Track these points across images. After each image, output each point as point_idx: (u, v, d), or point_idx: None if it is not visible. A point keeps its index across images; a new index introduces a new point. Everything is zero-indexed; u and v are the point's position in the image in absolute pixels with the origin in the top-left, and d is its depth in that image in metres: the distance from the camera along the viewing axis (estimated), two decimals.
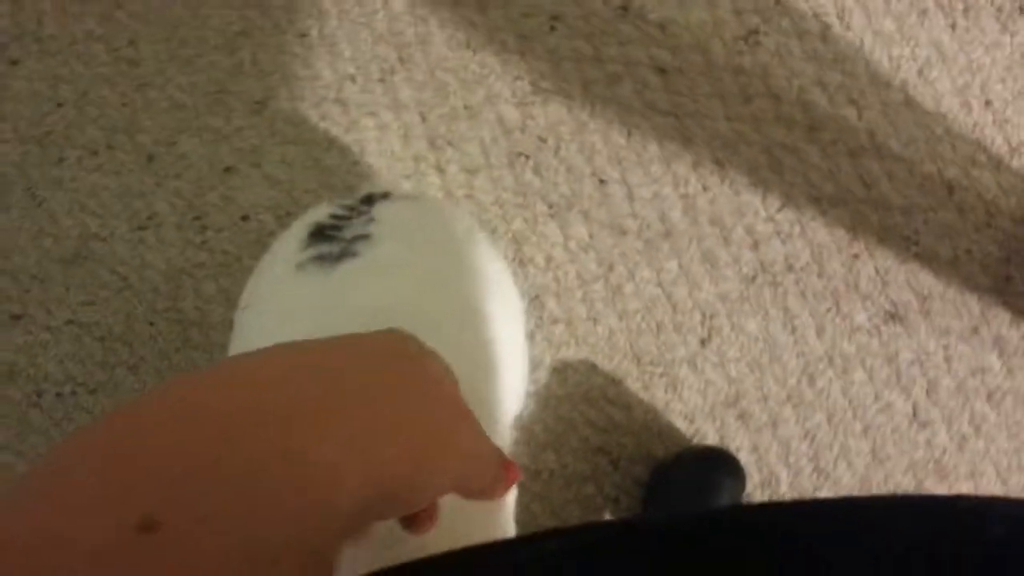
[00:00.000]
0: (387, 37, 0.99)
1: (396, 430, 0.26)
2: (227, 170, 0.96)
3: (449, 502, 0.33)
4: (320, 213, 0.58)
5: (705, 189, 0.93)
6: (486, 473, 0.31)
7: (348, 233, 0.55)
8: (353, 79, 0.98)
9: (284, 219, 0.94)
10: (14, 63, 0.99)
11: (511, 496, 0.62)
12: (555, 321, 0.91)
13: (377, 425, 0.26)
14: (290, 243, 0.57)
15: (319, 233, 0.56)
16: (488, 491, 0.31)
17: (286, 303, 0.54)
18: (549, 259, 0.93)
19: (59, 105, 0.98)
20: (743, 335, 0.90)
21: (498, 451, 0.32)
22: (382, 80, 0.98)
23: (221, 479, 0.22)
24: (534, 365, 0.91)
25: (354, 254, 0.53)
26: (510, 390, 0.60)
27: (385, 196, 0.61)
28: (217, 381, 0.25)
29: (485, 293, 0.60)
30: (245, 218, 0.95)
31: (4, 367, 0.93)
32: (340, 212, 0.58)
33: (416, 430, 0.27)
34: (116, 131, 0.97)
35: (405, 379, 0.29)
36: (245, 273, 0.94)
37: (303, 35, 0.99)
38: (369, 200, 0.60)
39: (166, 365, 0.92)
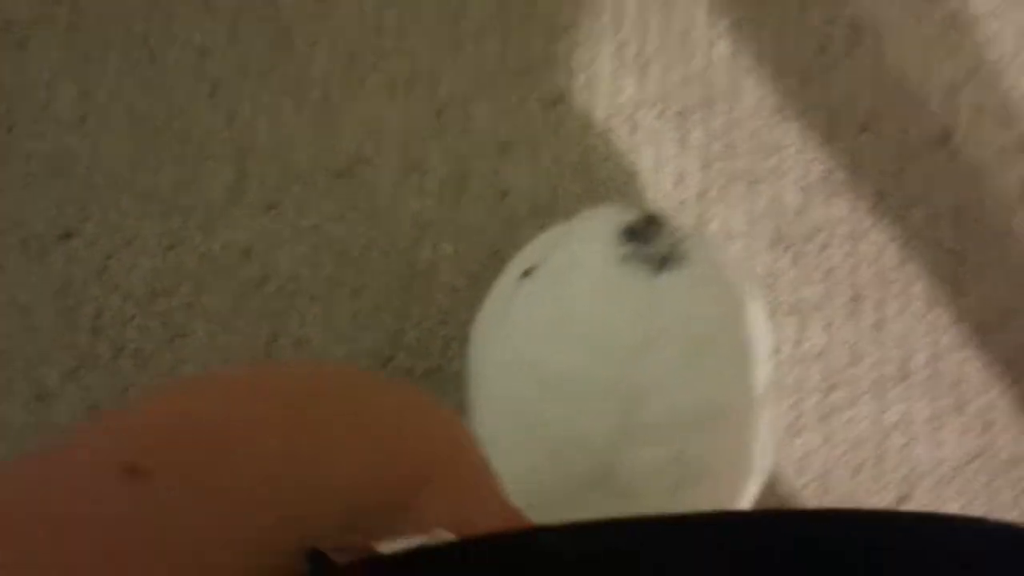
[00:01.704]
0: (700, 77, 1.01)
1: (393, 449, 0.29)
2: (504, 146, 1.01)
3: None
4: (625, 216, 0.63)
5: (960, 348, 0.92)
6: (488, 519, 0.31)
7: (662, 244, 0.61)
8: (652, 105, 1.01)
9: (539, 212, 0.99)
10: None
11: None
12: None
13: (378, 443, 0.28)
14: (604, 230, 0.63)
15: (633, 234, 0.62)
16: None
17: (612, 286, 0.60)
18: (775, 351, 0.93)
19: (378, 32, 1.05)
20: (944, 509, 0.88)
21: (504, 504, 0.33)
22: (680, 115, 1.00)
23: (210, 444, 0.24)
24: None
25: (676, 269, 0.60)
26: (755, 448, 0.64)
27: (663, 220, 0.65)
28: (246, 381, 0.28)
29: (759, 343, 0.65)
30: (504, 195, 1.00)
31: (243, 245, 1.02)
32: (638, 222, 0.63)
33: (413, 454, 0.30)
34: (421, 73, 1.03)
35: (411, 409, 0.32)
36: (484, 248, 1.00)
37: (623, 45, 1.02)
38: (655, 220, 0.65)
39: (383, 301, 0.99)
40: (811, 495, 0.90)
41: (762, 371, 0.66)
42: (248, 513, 0.23)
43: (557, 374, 0.58)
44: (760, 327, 0.67)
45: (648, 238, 0.62)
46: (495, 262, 0.95)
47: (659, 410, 0.56)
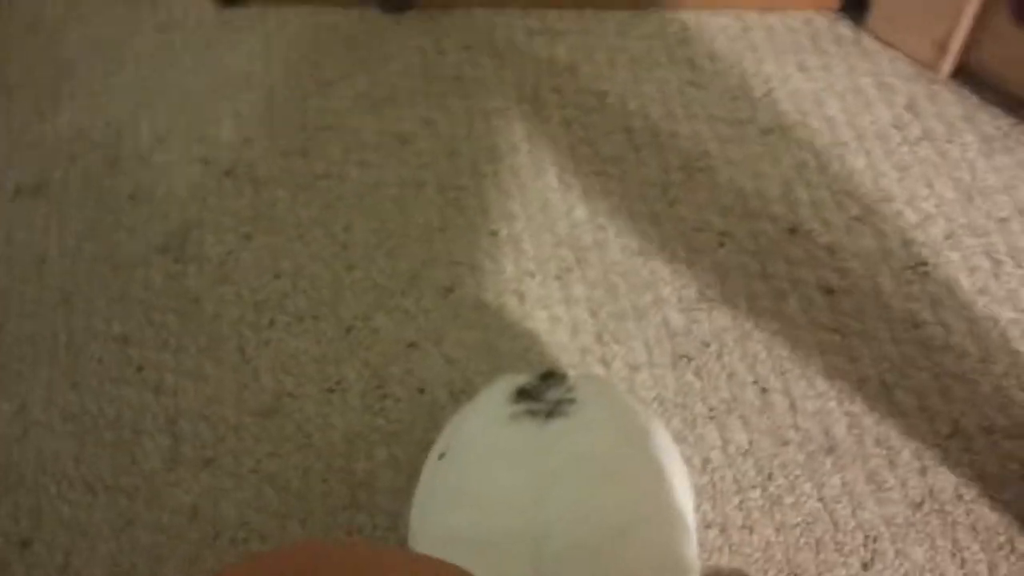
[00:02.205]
0: (567, 240, 1.13)
1: None
2: (411, 346, 1.10)
3: None
4: (519, 380, 0.71)
5: (871, 409, 0.97)
6: None
7: (551, 397, 0.67)
8: (533, 275, 1.12)
9: (457, 396, 1.06)
10: (247, 237, 1.20)
11: None
12: (709, 525, 0.95)
13: None
14: (497, 398, 0.70)
15: (523, 393, 0.68)
16: None
17: (500, 447, 0.65)
18: (706, 461, 0.98)
19: (277, 276, 1.17)
20: (908, 562, 0.90)
21: None
22: (559, 278, 1.11)
23: None
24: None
25: (564, 414, 0.65)
26: (694, 551, 0.66)
27: (564, 374, 0.72)
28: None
29: (667, 459, 0.68)
30: (422, 391, 1.07)
31: (189, 507, 1.06)
32: (532, 382, 0.70)
33: None
34: (322, 304, 1.14)
35: None
36: (415, 444, 1.05)
37: (493, 233, 1.15)
38: (552, 375, 0.71)
39: (332, 522, 1.02)
40: None
41: (675, 482, 0.70)
42: None
43: (469, 539, 0.61)
44: (662, 442, 0.72)
45: (538, 394, 0.69)
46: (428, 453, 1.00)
47: (564, 543, 0.58)
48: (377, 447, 1.05)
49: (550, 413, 0.66)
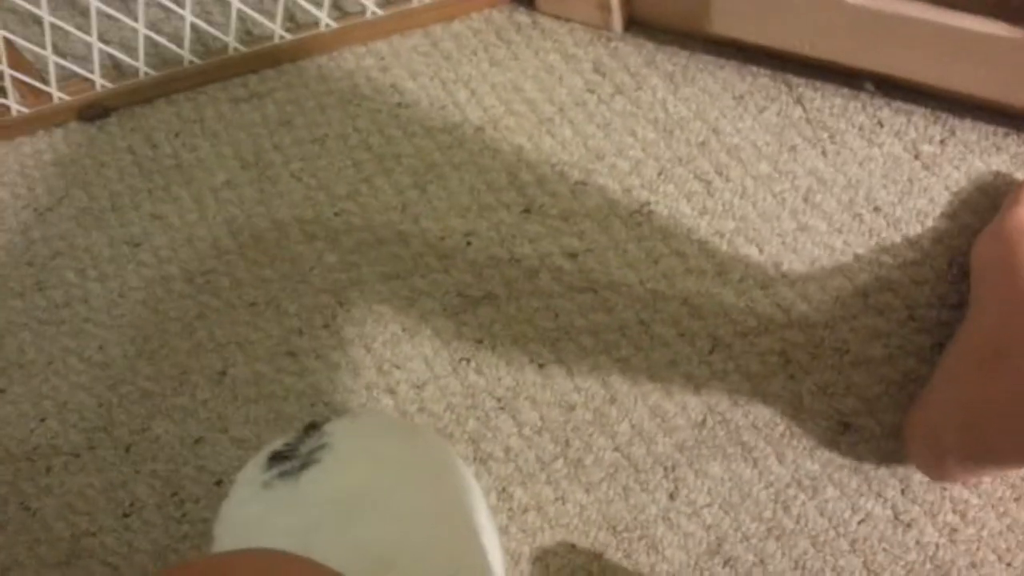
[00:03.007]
0: (324, 288, 1.09)
1: None
2: (197, 442, 1.02)
3: None
4: (274, 445, 0.66)
5: (638, 349, 0.98)
6: None
7: (304, 449, 0.63)
8: (300, 331, 1.07)
9: None
10: (1, 391, 1.09)
11: None
12: (525, 510, 0.93)
13: None
14: (250, 472, 0.66)
15: (277, 456, 0.64)
16: None
17: (257, 516, 0.60)
18: (507, 450, 0.96)
19: (42, 420, 1.07)
20: (708, 479, 0.90)
21: None
22: (326, 326, 1.07)
23: None
24: (515, 559, 0.91)
25: (317, 461, 0.61)
26: (489, 559, 0.64)
27: (326, 420, 0.69)
28: None
29: (440, 474, 0.66)
30: (219, 483, 1.00)
31: None
32: (291, 440, 0.66)
33: None
34: (95, 430, 1.05)
35: None
36: (213, 537, 0.98)
37: (252, 304, 1.10)
38: (313, 425, 0.68)
39: None
40: (604, 542, 0.89)
41: (456, 496, 0.67)
42: None
43: None
44: (437, 459, 0.69)
45: (291, 452, 0.65)
46: None
47: None
48: (190, 553, 0.97)
49: (303, 466, 0.62)
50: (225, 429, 1.03)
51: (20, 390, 1.09)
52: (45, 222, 1.20)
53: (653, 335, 0.99)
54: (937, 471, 0.83)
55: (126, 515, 0.99)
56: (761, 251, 1.01)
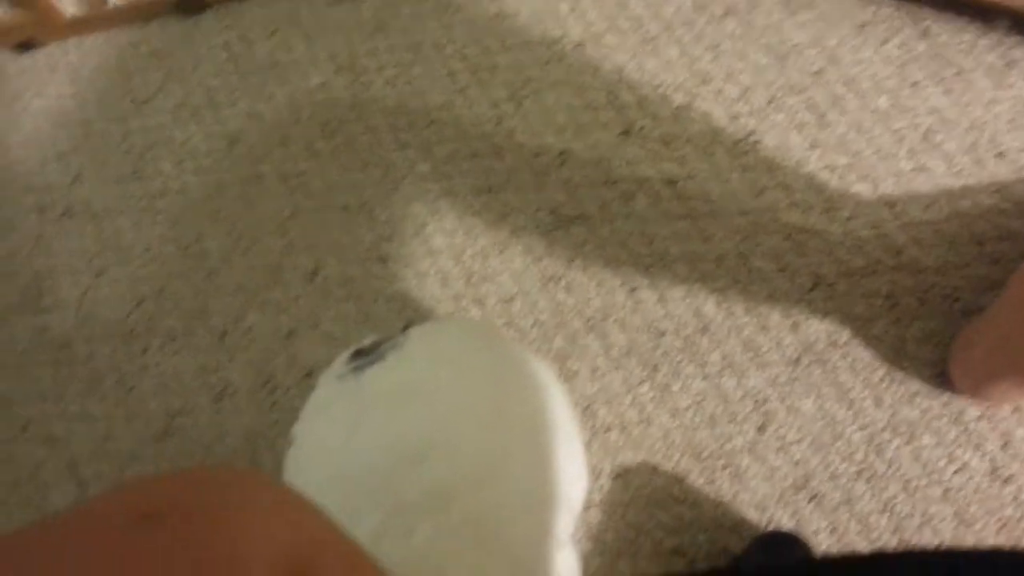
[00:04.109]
0: (416, 196, 1.04)
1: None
2: (289, 335, 1.00)
3: None
4: (364, 341, 0.64)
5: (734, 281, 0.92)
6: None
7: (384, 348, 0.62)
8: (390, 238, 1.03)
9: None
10: (100, 273, 1.08)
11: None
12: (608, 428, 0.89)
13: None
14: (335, 365, 0.64)
15: (359, 352, 0.63)
16: None
17: (323, 403, 0.61)
18: (594, 370, 0.92)
19: (139, 303, 1.05)
20: (800, 416, 0.85)
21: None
22: (416, 234, 1.03)
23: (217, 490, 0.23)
24: (595, 474, 0.87)
25: (383, 358, 0.60)
26: (558, 474, 0.61)
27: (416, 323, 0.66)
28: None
29: (517, 383, 0.63)
30: (308, 375, 0.98)
31: None
32: (378, 339, 0.65)
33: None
34: (191, 317, 1.03)
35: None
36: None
37: (344, 208, 1.05)
38: (406, 327, 0.65)
39: None
40: (687, 467, 0.85)
41: (527, 402, 0.64)
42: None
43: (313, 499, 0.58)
44: (510, 366, 0.66)
45: (372, 350, 0.63)
46: None
47: (368, 479, 0.54)
48: (277, 439, 0.96)
49: (372, 362, 0.60)
50: (316, 325, 1.00)
51: (119, 272, 1.08)
52: (142, 113, 1.17)
53: (752, 268, 0.92)
54: (970, 384, 0.79)
55: (219, 399, 0.98)
56: (875, 189, 0.93)
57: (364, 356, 0.63)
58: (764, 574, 0.25)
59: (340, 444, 0.56)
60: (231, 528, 0.22)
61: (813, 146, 0.97)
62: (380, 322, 0.99)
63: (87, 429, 1.01)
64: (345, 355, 0.65)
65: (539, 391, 0.69)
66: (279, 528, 0.24)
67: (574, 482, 0.66)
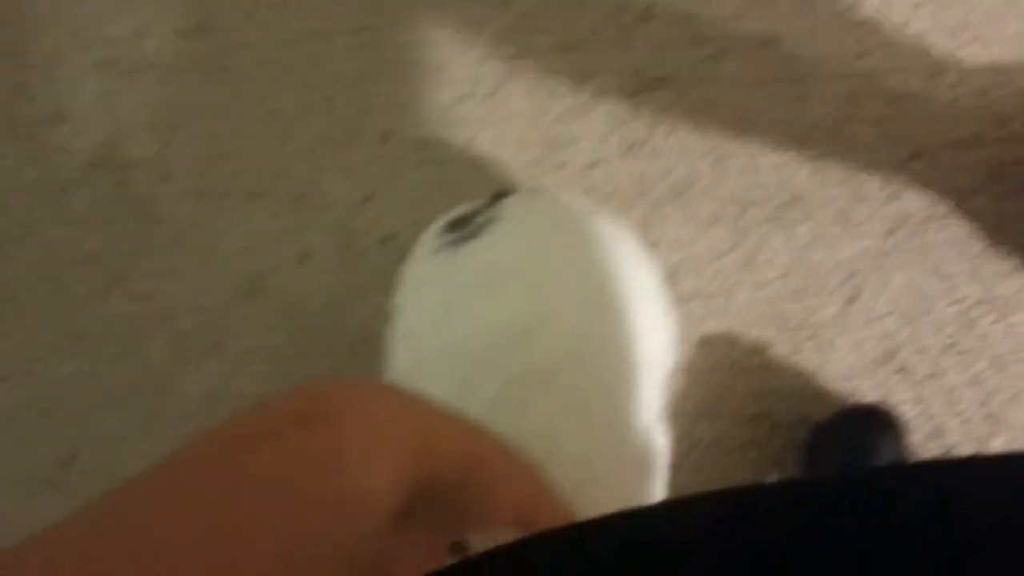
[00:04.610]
0: (493, 53, 0.98)
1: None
2: (366, 199, 0.98)
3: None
4: (456, 211, 0.62)
5: (829, 149, 0.87)
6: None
7: (477, 221, 0.59)
8: (467, 97, 0.98)
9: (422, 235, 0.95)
10: (173, 129, 1.05)
11: (660, 473, 0.61)
12: (691, 298, 0.87)
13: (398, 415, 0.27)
14: (428, 235, 0.63)
15: (452, 225, 0.61)
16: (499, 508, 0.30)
17: (420, 280, 0.60)
18: (676, 239, 0.89)
19: (215, 162, 1.03)
20: (891, 289, 0.83)
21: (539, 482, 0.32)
22: (493, 94, 0.97)
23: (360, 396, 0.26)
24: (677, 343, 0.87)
25: (478, 235, 0.57)
26: (645, 334, 0.60)
27: (509, 192, 0.63)
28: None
29: (604, 249, 0.61)
30: (387, 239, 0.96)
31: (209, 390, 0.98)
32: (471, 209, 0.62)
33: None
34: (268, 178, 1.01)
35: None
36: (395, 289, 0.96)
37: (417, 65, 1.00)
38: (498, 196, 0.63)
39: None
40: (771, 338, 0.84)
41: (619, 280, 0.62)
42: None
43: (403, 371, 0.58)
44: (600, 239, 0.64)
45: (466, 222, 0.61)
46: None
47: (477, 353, 0.54)
48: (360, 302, 0.96)
49: (468, 237, 0.58)
50: (392, 189, 0.97)
51: (192, 129, 1.05)
52: None
53: (848, 136, 0.87)
54: None
55: (301, 260, 0.98)
56: (984, 53, 0.85)
57: (457, 229, 0.61)
58: (844, 485, 0.24)
59: (442, 319, 0.55)
60: (366, 434, 0.25)
61: (920, 4, 0.88)
62: (457, 187, 0.96)
63: (175, 285, 1.01)
64: (437, 227, 0.63)
65: (633, 265, 0.67)
66: (407, 434, 0.26)
67: (666, 356, 0.66)
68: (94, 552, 0.20)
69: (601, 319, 0.59)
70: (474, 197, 0.93)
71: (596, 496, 0.57)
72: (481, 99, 0.97)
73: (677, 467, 0.70)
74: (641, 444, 0.62)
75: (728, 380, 0.84)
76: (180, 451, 0.24)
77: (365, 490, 0.24)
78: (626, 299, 0.61)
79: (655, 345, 0.64)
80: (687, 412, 0.84)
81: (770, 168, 0.88)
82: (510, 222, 0.60)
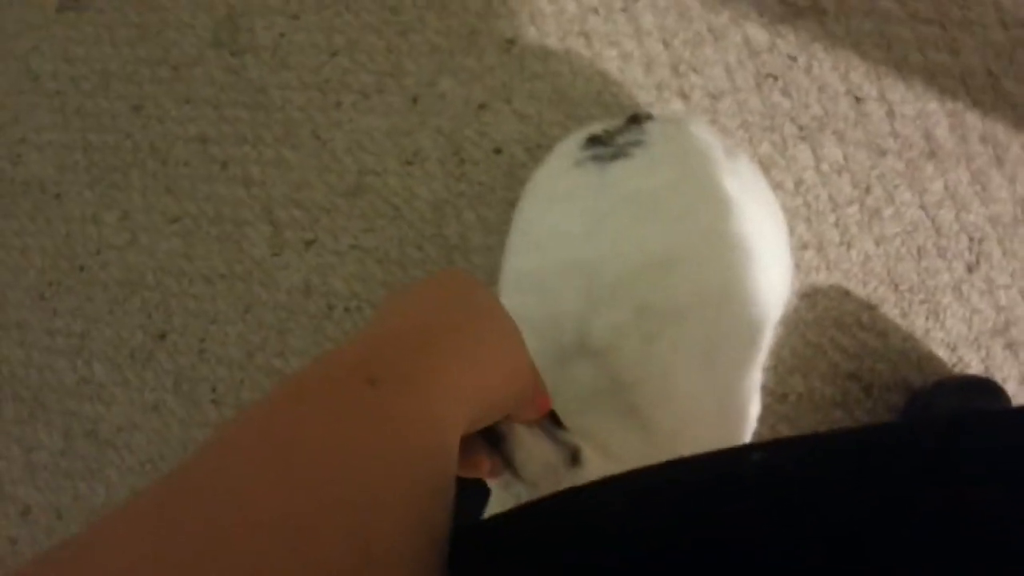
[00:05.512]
0: None
1: (488, 352, 0.30)
2: (481, 107, 0.95)
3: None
4: (595, 128, 0.63)
5: (977, 103, 0.81)
6: (531, 394, 0.34)
7: (621, 140, 0.59)
8: (596, 11, 0.93)
9: (534, 151, 0.93)
10: (295, 17, 1.03)
11: (748, 426, 0.60)
12: (805, 246, 0.84)
13: (477, 351, 0.29)
14: (569, 146, 0.63)
15: (595, 140, 0.61)
16: (523, 412, 0.34)
17: (562, 190, 0.60)
18: (799, 183, 0.85)
19: (333, 54, 1.01)
20: (1016, 261, 0.78)
21: (537, 375, 0.36)
22: (624, 9, 0.92)
23: (423, 350, 0.27)
24: None
25: (628, 155, 0.58)
26: (770, 285, 0.60)
27: (649, 117, 0.62)
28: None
29: (744, 192, 0.60)
30: (498, 151, 0.94)
31: (302, 285, 1.01)
32: (610, 128, 0.63)
33: (499, 352, 0.31)
34: (384, 75, 0.99)
35: (475, 311, 0.32)
36: (500, 202, 0.95)
37: None
38: (635, 119, 0.63)
39: None
40: (882, 296, 0.81)
41: (753, 221, 0.60)
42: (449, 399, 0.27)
43: (526, 273, 0.59)
44: (742, 183, 0.61)
45: (609, 140, 0.61)
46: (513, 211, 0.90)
47: (613, 274, 0.54)
48: (464, 211, 0.95)
49: (614, 156, 0.58)
50: (508, 100, 0.94)
51: (313, 19, 1.02)
52: None
53: (1001, 90, 0.80)
54: None
55: (409, 163, 0.97)
56: None
57: (601, 145, 0.60)
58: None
59: (580, 232, 0.56)
60: (432, 393, 0.26)
61: None
62: (575, 106, 0.92)
63: (282, 176, 1.02)
64: (578, 138, 0.62)
65: (766, 212, 0.65)
66: (471, 389, 0.28)
67: (778, 311, 0.64)
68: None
69: (735, 263, 0.58)
70: (591, 117, 0.91)
71: (695, 436, 0.57)
72: (610, 14, 0.92)
73: (763, 417, 0.70)
74: (747, 396, 0.61)
75: (828, 335, 0.82)
76: (249, 417, 0.24)
77: (438, 446, 0.25)
78: (759, 247, 0.59)
79: (777, 297, 0.63)
80: (782, 362, 0.83)
81: (910, 117, 0.82)
82: (660, 148, 0.60)
